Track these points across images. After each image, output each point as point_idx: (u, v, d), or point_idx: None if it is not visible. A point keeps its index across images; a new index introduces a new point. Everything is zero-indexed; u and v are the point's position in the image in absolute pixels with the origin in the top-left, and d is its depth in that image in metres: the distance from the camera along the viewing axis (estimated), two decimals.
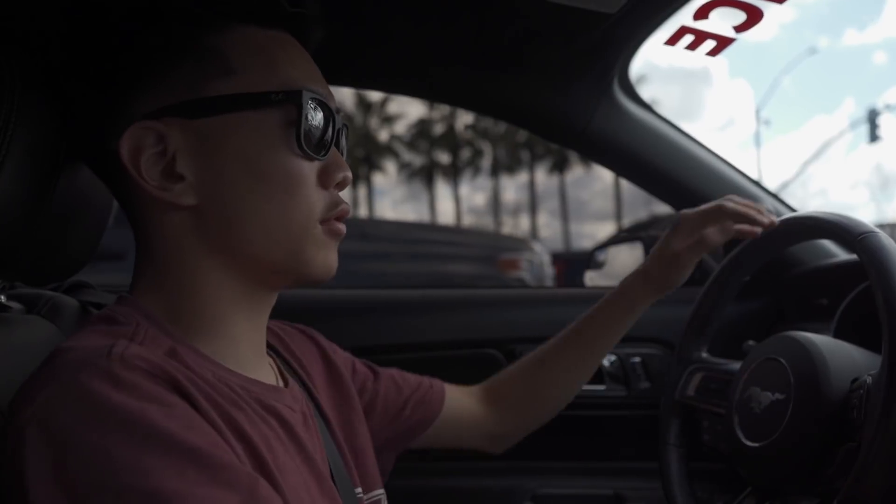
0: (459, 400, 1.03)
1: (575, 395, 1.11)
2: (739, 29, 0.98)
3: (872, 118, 18.27)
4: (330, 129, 0.67)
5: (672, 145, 1.45)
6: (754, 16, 0.95)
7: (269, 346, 0.76)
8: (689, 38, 1.04)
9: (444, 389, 1.00)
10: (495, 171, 26.71)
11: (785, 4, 0.92)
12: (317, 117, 0.65)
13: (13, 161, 0.62)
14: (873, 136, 18.35)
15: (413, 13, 1.15)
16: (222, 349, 0.65)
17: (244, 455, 0.57)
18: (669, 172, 1.46)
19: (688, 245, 1.00)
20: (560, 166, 24.79)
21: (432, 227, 9.43)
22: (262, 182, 0.63)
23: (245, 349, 0.68)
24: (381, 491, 0.84)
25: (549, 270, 6.29)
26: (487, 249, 5.98)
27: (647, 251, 1.64)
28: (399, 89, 1.56)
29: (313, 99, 0.65)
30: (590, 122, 1.39)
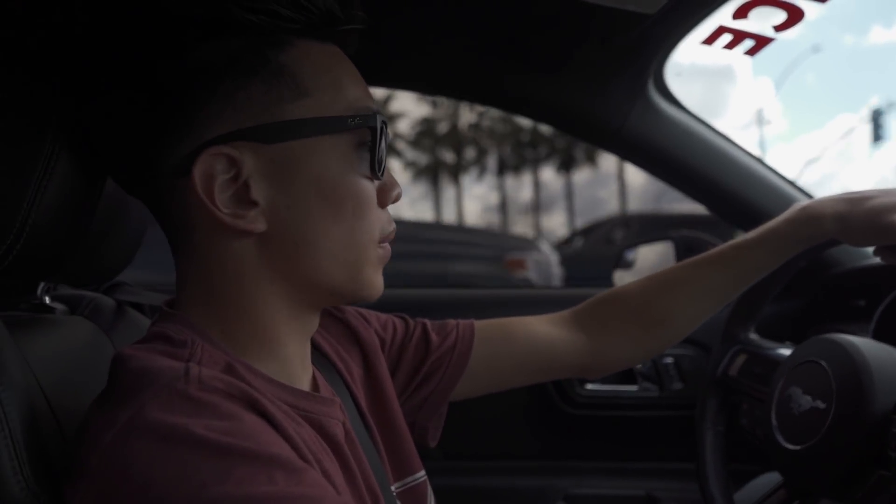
0: (535, 332, 0.95)
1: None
2: (779, 28, 0.97)
3: (876, 118, 17.84)
4: (385, 147, 0.66)
5: (706, 145, 1.44)
6: (795, 15, 0.94)
7: (313, 348, 0.76)
8: (727, 38, 1.03)
9: (472, 333, 0.92)
10: (501, 170, 26.51)
11: (811, 1, 0.90)
12: (387, 138, 0.65)
13: (60, 173, 0.62)
14: (877, 136, 17.89)
15: (452, 16, 1.15)
16: (273, 368, 0.65)
17: (318, 469, 0.57)
18: (704, 172, 1.45)
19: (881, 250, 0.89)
20: (567, 165, 24.53)
21: (438, 227, 9.39)
22: (334, 206, 0.62)
23: (294, 367, 0.68)
24: (422, 473, 0.83)
25: (556, 270, 6.21)
26: (494, 249, 5.89)
27: (677, 251, 1.63)
28: (436, 90, 1.56)
29: (382, 121, 0.64)
30: (625, 122, 1.39)
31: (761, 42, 1.02)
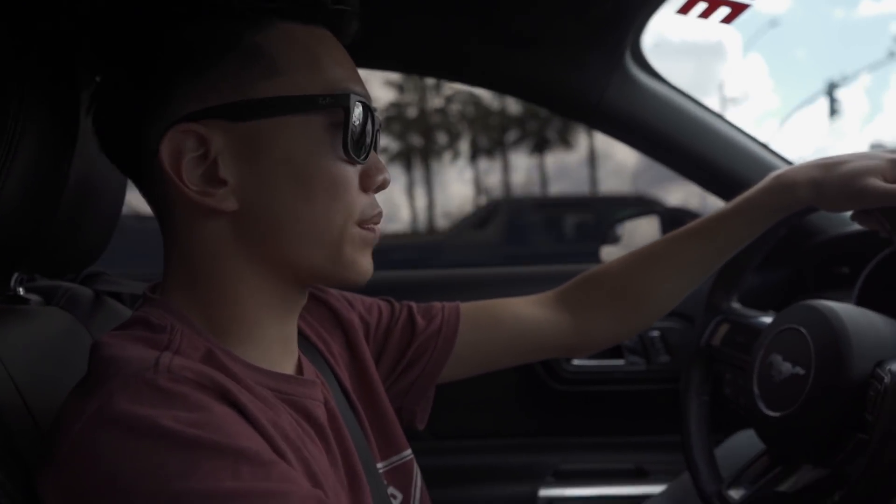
0: (521, 314, 0.95)
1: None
2: None
3: (830, 91, 17.17)
4: (370, 131, 0.65)
5: (687, 116, 1.43)
6: None
7: (298, 332, 0.76)
8: (702, 6, 1.02)
9: (457, 316, 0.92)
10: (474, 155, 26.36)
11: None
12: (361, 120, 0.64)
13: (24, 157, 0.61)
14: (833, 111, 17.29)
15: None
16: (255, 352, 0.64)
17: (293, 457, 0.57)
18: (685, 144, 1.44)
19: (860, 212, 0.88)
20: (540, 147, 24.37)
21: None
22: (306, 186, 0.62)
23: (277, 350, 0.67)
24: (408, 452, 0.83)
25: None
26: None
27: (663, 225, 1.63)
28: (410, 68, 1.55)
29: (359, 102, 0.63)
30: (603, 95, 1.38)
31: (736, 9, 1.01)
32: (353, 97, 0.62)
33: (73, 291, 0.93)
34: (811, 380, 0.83)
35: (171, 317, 0.61)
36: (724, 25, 1.05)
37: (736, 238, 0.93)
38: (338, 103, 0.62)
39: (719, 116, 1.45)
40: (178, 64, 0.60)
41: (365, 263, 0.67)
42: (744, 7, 1.01)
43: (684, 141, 1.44)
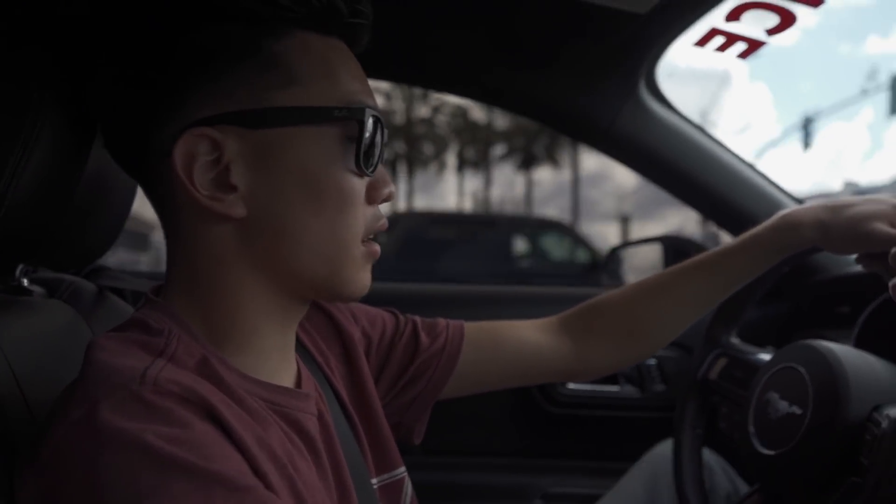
0: (523, 337, 0.96)
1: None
2: (772, 32, 0.97)
3: (806, 125, 17.50)
4: (379, 144, 0.66)
5: (695, 147, 1.44)
6: (788, 19, 0.94)
7: (297, 341, 0.75)
8: (719, 40, 1.02)
9: (461, 336, 0.92)
10: (460, 166, 26.19)
11: (805, 6, 0.90)
12: (372, 133, 0.64)
13: (40, 153, 0.62)
14: (806, 144, 17.63)
15: (444, 9, 1.15)
16: (252, 361, 0.64)
17: (277, 476, 0.56)
18: (691, 174, 1.45)
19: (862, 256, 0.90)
20: (527, 164, 24.13)
21: None
22: (315, 197, 0.62)
23: (275, 359, 0.67)
24: (402, 469, 0.83)
25: None
26: None
27: (666, 254, 1.64)
28: (426, 85, 1.56)
29: (372, 115, 0.63)
30: (614, 121, 1.39)
31: (753, 45, 1.02)
32: (367, 111, 0.63)
33: (77, 285, 0.93)
34: (807, 420, 0.83)
35: (170, 321, 0.61)
36: (740, 60, 1.06)
37: (740, 273, 0.94)
38: (353, 116, 0.62)
39: (726, 148, 1.46)
40: (194, 67, 0.59)
41: (365, 279, 0.67)
42: (761, 44, 1.01)
43: (690, 170, 1.45)
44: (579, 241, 8.98)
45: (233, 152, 0.60)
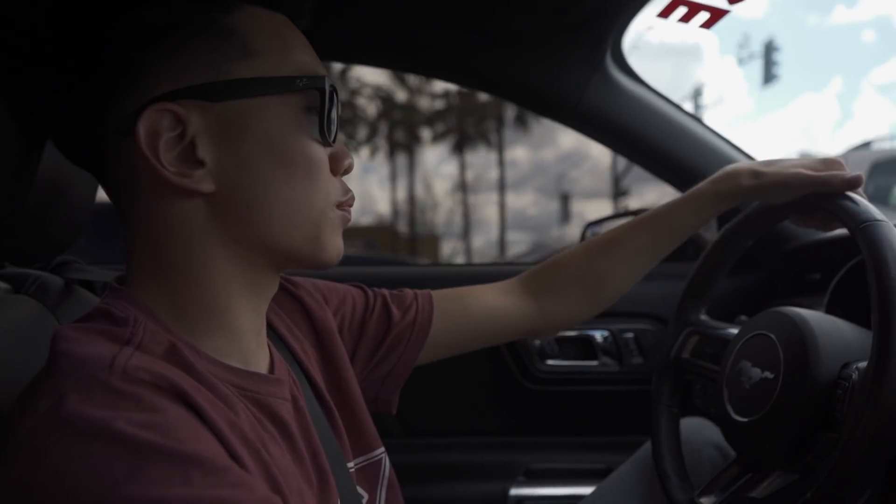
0: (489, 301, 1.00)
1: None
2: (733, 0, 0.97)
3: (769, 53, 15.42)
4: (336, 116, 0.66)
5: (665, 119, 1.44)
6: None
7: (267, 326, 0.75)
8: (682, 11, 1.02)
9: (431, 306, 0.95)
10: (392, 149, 26.02)
11: None
12: (333, 105, 0.64)
13: None
14: (768, 76, 15.64)
15: None
16: (225, 344, 0.64)
17: (251, 460, 0.56)
18: (662, 146, 1.45)
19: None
20: (460, 146, 23.91)
21: None
22: (284, 167, 0.62)
23: (248, 341, 0.66)
24: (381, 450, 0.83)
25: None
26: None
27: None
28: (388, 63, 1.54)
29: (330, 86, 0.64)
30: (582, 96, 1.38)
31: (716, 14, 1.01)
32: (327, 81, 0.63)
33: (43, 280, 0.91)
34: (780, 383, 0.84)
35: (135, 309, 0.60)
36: (703, 30, 1.06)
37: (685, 224, 1.01)
38: (314, 85, 0.63)
39: (697, 119, 1.46)
40: (146, 43, 0.59)
41: (339, 244, 0.68)
42: (723, 13, 1.01)
43: (661, 143, 1.45)
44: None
45: (197, 127, 0.60)
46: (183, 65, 0.59)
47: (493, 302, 1.00)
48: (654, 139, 1.44)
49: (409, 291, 0.96)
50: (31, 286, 0.89)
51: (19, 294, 0.87)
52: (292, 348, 0.79)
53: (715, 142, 1.46)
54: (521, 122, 22.67)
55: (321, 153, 0.64)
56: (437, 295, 0.97)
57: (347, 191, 0.68)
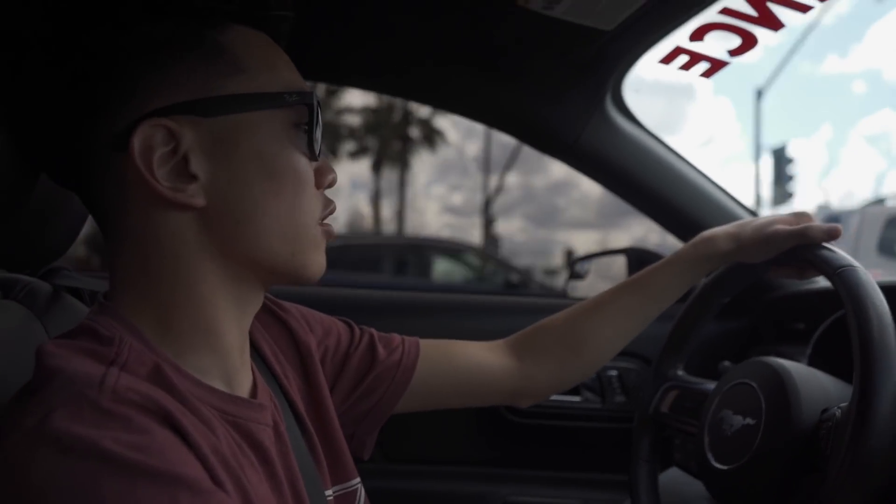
0: (474, 356, 0.99)
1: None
2: (734, 53, 0.99)
3: (779, 163, 14.40)
4: (320, 132, 0.68)
5: (660, 163, 1.46)
6: (749, 41, 0.96)
7: (252, 349, 0.75)
8: (683, 59, 1.04)
9: (417, 351, 0.95)
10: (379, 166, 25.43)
11: (767, 30, 0.92)
12: (318, 120, 0.66)
13: None
14: (778, 177, 14.39)
15: (408, 10, 1.15)
16: (210, 363, 0.64)
17: (231, 485, 0.56)
18: (654, 188, 1.47)
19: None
20: (377, 166, 23.30)
21: None
22: (274, 181, 0.63)
23: (233, 359, 0.66)
24: (357, 480, 0.83)
25: None
26: None
27: (630, 264, 1.65)
28: (387, 89, 1.56)
29: (316, 101, 0.65)
30: (580, 135, 1.40)
31: (716, 65, 1.03)
32: (315, 97, 0.65)
33: (33, 286, 0.91)
34: (762, 428, 0.85)
35: (121, 327, 0.60)
36: (704, 78, 1.08)
37: (668, 289, 1.02)
38: (303, 101, 0.64)
39: (689, 164, 1.48)
40: (138, 59, 0.60)
41: (321, 260, 0.69)
42: (723, 64, 1.03)
43: (654, 185, 1.47)
44: (497, 263, 9.33)
45: (189, 142, 0.60)
46: (176, 80, 0.60)
47: (478, 357, 1.00)
48: (647, 181, 1.46)
49: (396, 335, 0.96)
50: (20, 292, 0.89)
51: (7, 300, 0.87)
52: (275, 372, 0.79)
53: (708, 188, 1.48)
54: (428, 141, 21.97)
55: (308, 167, 0.66)
56: (425, 343, 0.97)
57: (329, 202, 0.69)
